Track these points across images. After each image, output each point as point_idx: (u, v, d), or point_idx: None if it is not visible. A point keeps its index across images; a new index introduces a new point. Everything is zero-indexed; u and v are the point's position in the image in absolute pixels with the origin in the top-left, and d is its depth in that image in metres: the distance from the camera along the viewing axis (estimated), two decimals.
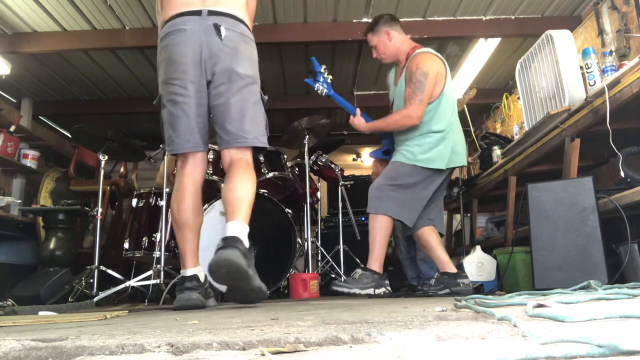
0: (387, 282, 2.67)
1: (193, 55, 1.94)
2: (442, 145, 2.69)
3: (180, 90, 1.97)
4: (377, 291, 2.58)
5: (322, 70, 3.02)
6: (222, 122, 1.98)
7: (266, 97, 2.12)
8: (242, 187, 1.89)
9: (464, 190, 4.04)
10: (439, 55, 2.82)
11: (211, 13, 1.97)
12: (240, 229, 1.78)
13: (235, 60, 1.96)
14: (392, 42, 2.88)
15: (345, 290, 2.61)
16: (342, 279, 2.72)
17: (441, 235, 2.90)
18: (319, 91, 3.02)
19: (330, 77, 3.05)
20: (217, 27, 1.93)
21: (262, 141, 2.03)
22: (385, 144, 3.05)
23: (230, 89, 1.96)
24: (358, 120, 2.96)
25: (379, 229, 2.65)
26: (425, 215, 2.75)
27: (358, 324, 0.92)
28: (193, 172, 2.07)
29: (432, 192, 2.73)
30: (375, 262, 2.65)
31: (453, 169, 2.82)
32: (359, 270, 2.66)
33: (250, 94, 2.01)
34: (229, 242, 1.70)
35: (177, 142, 2.03)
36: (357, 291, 2.59)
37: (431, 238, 2.74)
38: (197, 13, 1.96)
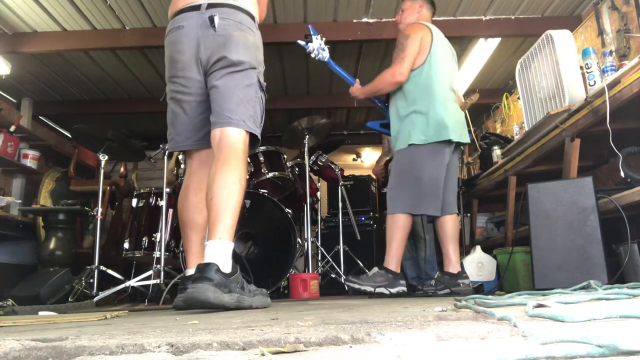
0: (402, 282, 2.62)
1: (190, 52, 1.91)
2: (433, 119, 2.60)
3: (181, 88, 1.96)
4: (379, 290, 2.56)
5: (319, 37, 2.91)
6: (212, 106, 1.92)
7: (264, 83, 2.01)
8: (224, 193, 1.71)
9: (464, 190, 4.04)
10: (429, 25, 2.76)
11: (210, 6, 1.92)
12: (219, 249, 1.63)
13: (228, 48, 1.89)
14: (417, 15, 2.86)
15: (356, 286, 2.59)
16: (357, 276, 2.68)
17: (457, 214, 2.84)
18: (312, 54, 2.90)
19: (328, 45, 2.94)
20: (211, 19, 1.89)
21: (249, 126, 1.87)
22: (387, 117, 2.95)
23: (222, 73, 1.90)
24: (355, 87, 2.93)
25: (396, 228, 2.60)
26: (445, 201, 2.68)
27: (358, 324, 0.92)
28: (199, 171, 2.04)
29: (444, 171, 2.64)
30: (392, 260, 2.61)
31: (457, 147, 2.74)
32: (375, 268, 2.64)
33: (242, 78, 1.90)
34: (200, 273, 1.56)
35: (177, 140, 2.02)
36: (368, 288, 2.55)
37: (449, 229, 2.69)
38: (197, 8, 1.93)
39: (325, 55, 2.92)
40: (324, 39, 2.93)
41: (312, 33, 2.90)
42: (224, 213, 1.68)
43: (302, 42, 2.92)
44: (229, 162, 1.78)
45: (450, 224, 2.70)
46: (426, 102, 2.63)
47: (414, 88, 2.67)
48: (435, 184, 2.62)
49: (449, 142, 2.63)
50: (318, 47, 2.90)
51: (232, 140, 1.83)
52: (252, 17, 2.01)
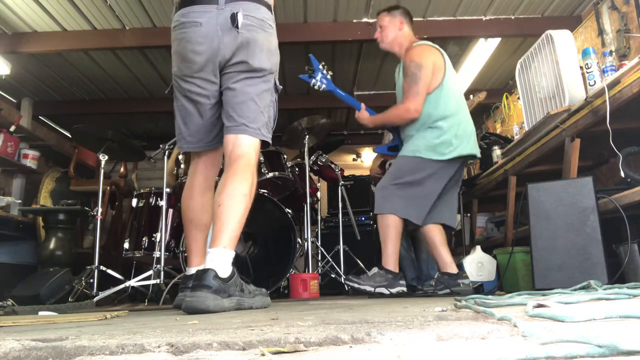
0: (402, 282, 2.63)
1: (209, 54, 1.81)
2: (446, 136, 2.64)
3: (197, 89, 1.89)
4: (379, 290, 2.56)
5: (321, 67, 2.94)
6: (226, 108, 1.88)
7: (280, 87, 1.98)
8: (232, 202, 1.73)
9: (464, 190, 4.04)
10: (436, 46, 2.79)
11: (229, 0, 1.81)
12: (220, 257, 1.65)
13: (251, 53, 1.83)
14: (400, 32, 2.87)
15: (356, 285, 2.60)
16: (357, 275, 2.70)
17: (452, 230, 2.86)
18: (315, 87, 2.94)
19: (331, 72, 2.97)
20: (233, 18, 1.78)
21: (264, 134, 1.89)
22: (394, 139, 3.00)
23: (240, 76, 1.86)
24: (362, 114, 2.94)
25: (387, 227, 2.63)
26: (435, 211, 2.71)
27: (358, 324, 0.92)
28: (205, 170, 2.02)
29: (443, 186, 2.68)
30: (389, 260, 2.62)
31: (465, 161, 2.78)
32: (375, 268, 2.65)
33: (261, 83, 1.88)
34: (198, 281, 1.57)
35: (189, 141, 1.98)
36: (368, 288, 2.57)
37: (436, 236, 2.72)
38: (214, 1, 1.81)
39: (328, 84, 2.95)
40: (325, 66, 2.96)
41: (313, 64, 2.93)
42: (229, 222, 1.70)
43: (304, 76, 2.95)
44: (241, 172, 1.79)
45: (436, 231, 2.73)
46: (442, 121, 2.66)
47: (429, 110, 2.69)
48: (430, 198, 2.66)
49: (457, 158, 2.67)
50: (321, 77, 2.92)
51: (246, 151, 1.84)
52: (270, 8, 1.94)
